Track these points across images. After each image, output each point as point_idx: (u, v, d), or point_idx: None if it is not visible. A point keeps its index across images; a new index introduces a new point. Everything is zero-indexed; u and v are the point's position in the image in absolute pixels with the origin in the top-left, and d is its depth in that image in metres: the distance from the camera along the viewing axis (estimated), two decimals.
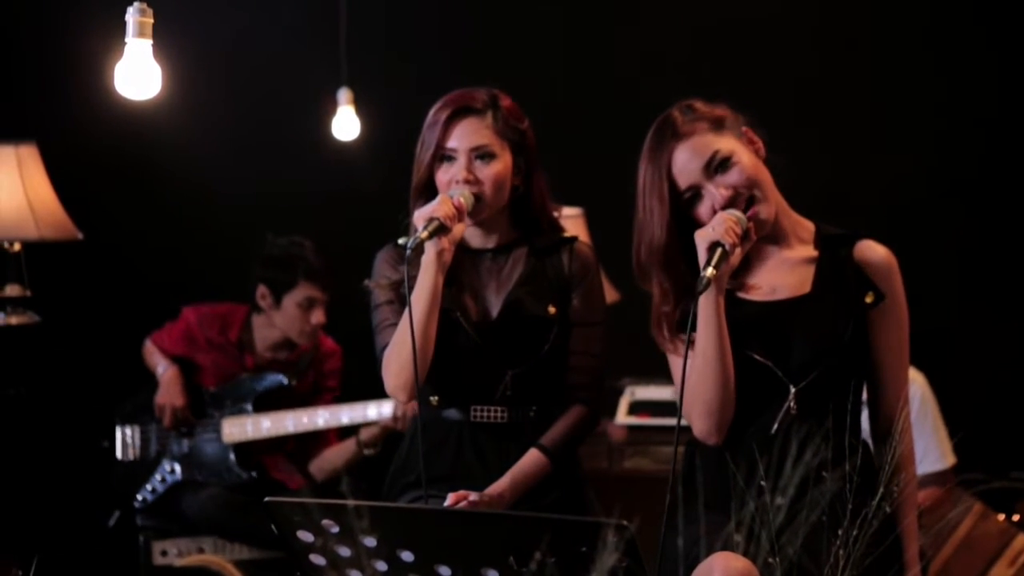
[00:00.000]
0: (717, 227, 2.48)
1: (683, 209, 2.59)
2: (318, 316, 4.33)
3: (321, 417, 4.25)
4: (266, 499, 2.20)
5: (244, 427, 4.26)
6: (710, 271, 2.44)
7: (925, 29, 5.15)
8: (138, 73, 2.47)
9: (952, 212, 5.09)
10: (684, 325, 2.55)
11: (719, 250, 2.46)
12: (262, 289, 4.34)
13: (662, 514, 2.51)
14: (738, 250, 2.50)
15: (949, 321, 4.81)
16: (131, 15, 2.45)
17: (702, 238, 2.49)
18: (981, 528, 3.92)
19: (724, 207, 2.55)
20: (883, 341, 2.61)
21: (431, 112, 2.88)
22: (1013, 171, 5.09)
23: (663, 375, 4.48)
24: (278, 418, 4.26)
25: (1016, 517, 4.01)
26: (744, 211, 2.55)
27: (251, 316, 4.41)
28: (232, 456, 4.27)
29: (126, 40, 2.45)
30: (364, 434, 4.28)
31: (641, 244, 2.63)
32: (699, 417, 2.57)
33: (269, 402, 4.30)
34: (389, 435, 4.22)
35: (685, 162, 2.58)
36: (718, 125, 2.61)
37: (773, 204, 2.60)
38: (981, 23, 5.10)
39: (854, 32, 5.20)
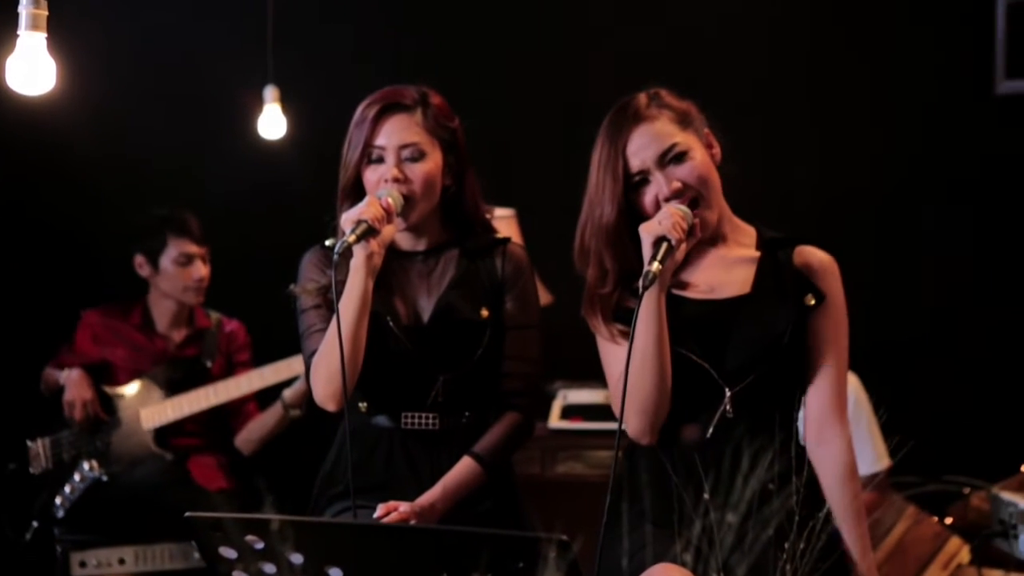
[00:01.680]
0: (664, 221, 2.44)
1: (631, 191, 2.54)
2: (198, 270, 4.32)
3: (243, 382, 4.22)
4: (187, 514, 2.12)
5: (164, 411, 4.20)
6: (655, 266, 2.39)
7: (882, 32, 5.13)
8: (31, 68, 2.38)
9: (893, 220, 5.08)
10: (620, 315, 2.50)
11: (665, 245, 2.42)
12: (138, 259, 4.34)
13: (601, 519, 2.46)
14: (683, 245, 2.46)
15: (889, 328, 4.81)
16: (24, 7, 2.35)
17: (648, 232, 2.45)
18: (914, 532, 3.92)
19: (668, 199, 2.50)
20: (822, 345, 2.57)
21: (359, 109, 2.81)
22: (970, 180, 5.07)
23: (596, 378, 4.44)
24: (197, 395, 4.21)
25: (949, 520, 4.01)
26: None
27: (147, 299, 4.38)
28: (153, 440, 4.18)
29: (18, 33, 2.35)
30: (288, 395, 4.22)
31: (588, 221, 2.59)
32: (634, 415, 2.52)
33: (185, 389, 4.25)
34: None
35: (641, 146, 2.54)
36: (682, 119, 2.59)
37: (716, 210, 2.57)
38: (950, 24, 5.09)
39: (808, 37, 5.16)
